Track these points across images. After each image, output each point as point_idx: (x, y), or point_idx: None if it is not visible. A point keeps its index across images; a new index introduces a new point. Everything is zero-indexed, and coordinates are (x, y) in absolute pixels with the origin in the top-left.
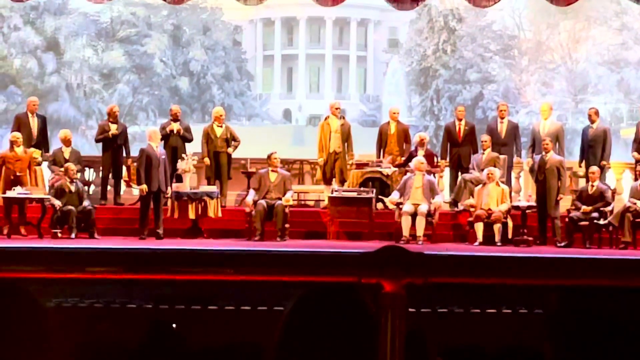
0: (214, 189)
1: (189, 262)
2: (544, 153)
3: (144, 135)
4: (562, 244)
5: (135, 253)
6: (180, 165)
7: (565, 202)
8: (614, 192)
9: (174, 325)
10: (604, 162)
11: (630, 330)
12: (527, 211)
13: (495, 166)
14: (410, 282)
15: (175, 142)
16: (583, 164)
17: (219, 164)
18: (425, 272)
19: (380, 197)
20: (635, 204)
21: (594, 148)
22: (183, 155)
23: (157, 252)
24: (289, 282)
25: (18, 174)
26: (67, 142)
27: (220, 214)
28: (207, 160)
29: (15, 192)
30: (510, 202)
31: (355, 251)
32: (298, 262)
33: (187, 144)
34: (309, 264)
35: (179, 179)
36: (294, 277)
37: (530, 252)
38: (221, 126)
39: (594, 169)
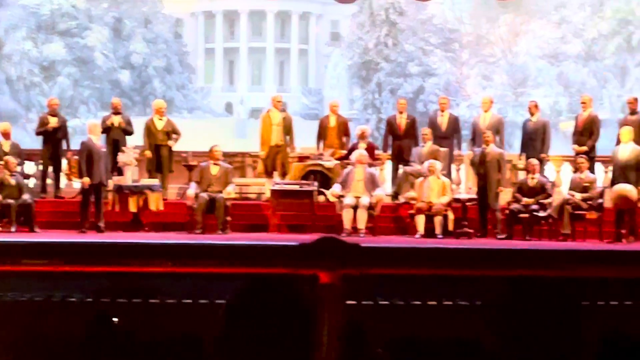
0: (155, 182)
1: (128, 255)
2: (484, 146)
3: (85, 128)
4: (503, 236)
5: (74, 245)
6: (122, 158)
7: (506, 195)
8: (553, 184)
9: (115, 319)
10: (543, 155)
11: (567, 319)
12: (468, 204)
13: (436, 159)
14: (346, 274)
15: (116, 135)
16: (523, 157)
17: (160, 157)
18: (361, 263)
19: (321, 189)
20: (574, 196)
21: (534, 141)
22: (124, 148)
23: (96, 245)
24: (228, 275)
25: None
26: (6, 135)
27: (161, 207)
28: (148, 153)
29: None
30: (451, 194)
31: (291, 243)
32: (235, 254)
33: (128, 137)
34: (246, 256)
35: (120, 172)
36: (231, 269)
37: (470, 244)
38: (162, 119)
39: (534, 161)
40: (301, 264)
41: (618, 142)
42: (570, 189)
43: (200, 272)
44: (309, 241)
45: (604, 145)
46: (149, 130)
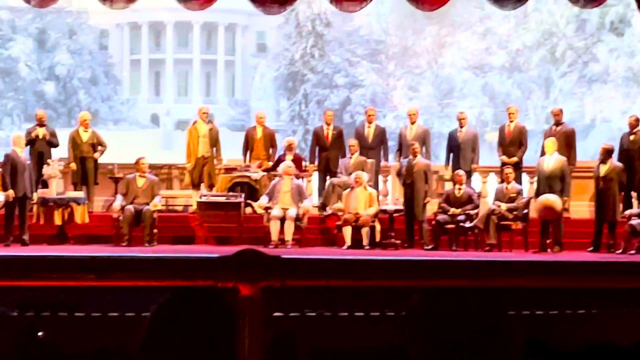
0: (80, 194)
1: (53, 269)
2: (411, 157)
3: (9, 140)
4: (429, 247)
5: None
6: (46, 170)
7: (432, 206)
8: (479, 195)
9: (40, 334)
10: (475, 166)
11: (493, 329)
12: (395, 215)
13: (363, 170)
14: (267, 285)
15: (41, 147)
16: (449, 168)
17: (86, 169)
18: (282, 274)
19: (248, 201)
20: (500, 206)
21: (464, 151)
22: (49, 160)
23: (20, 258)
24: (153, 287)
25: None
26: None
27: (87, 220)
28: (73, 166)
29: None
30: (378, 205)
31: (211, 255)
32: (157, 267)
33: (53, 149)
34: (168, 268)
35: (45, 185)
36: (153, 282)
37: (397, 255)
38: (87, 131)
39: (461, 172)
40: (222, 276)
41: (543, 153)
42: (496, 199)
43: (126, 285)
44: (229, 253)
45: (528, 156)
46: (74, 142)
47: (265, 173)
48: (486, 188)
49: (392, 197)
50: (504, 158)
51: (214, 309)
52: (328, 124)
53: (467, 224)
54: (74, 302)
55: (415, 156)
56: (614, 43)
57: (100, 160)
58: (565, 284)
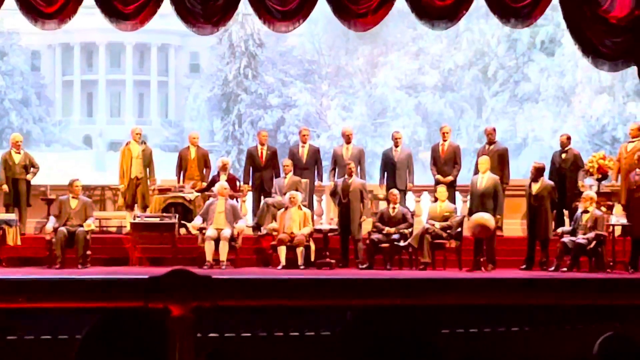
0: (12, 216)
1: None
2: (346, 176)
3: None
4: (364, 266)
5: None
6: None
7: (367, 225)
8: (413, 214)
9: None
10: (410, 185)
11: (427, 347)
12: (329, 234)
13: (297, 190)
14: (198, 306)
15: None
16: (384, 187)
17: (18, 191)
18: (213, 295)
19: (183, 222)
20: (433, 225)
21: (400, 171)
22: None
23: None
24: (86, 309)
25: None
26: None
27: (19, 242)
28: (5, 187)
29: None
30: (313, 225)
31: (142, 276)
32: (88, 288)
33: None
34: (99, 290)
35: None
36: (84, 303)
37: (332, 274)
38: (19, 152)
39: (395, 191)
40: (152, 297)
41: (476, 171)
42: (430, 218)
43: (58, 307)
44: (159, 275)
45: (461, 175)
46: (6, 164)
47: (199, 193)
48: (420, 207)
49: (327, 217)
50: (439, 177)
51: (145, 330)
52: (262, 144)
53: (402, 243)
54: (6, 325)
55: (350, 176)
56: (545, 62)
57: (32, 182)
58: (498, 302)
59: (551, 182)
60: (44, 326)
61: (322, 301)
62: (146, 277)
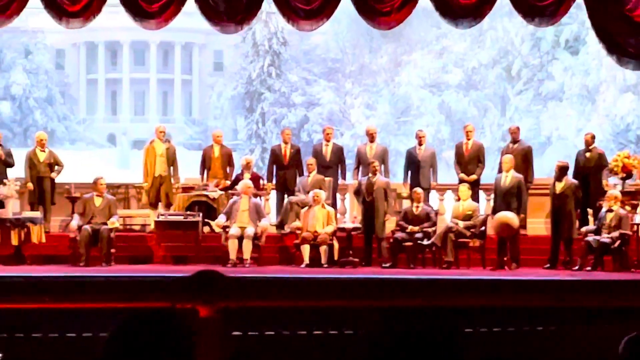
0: (37, 214)
1: (10, 292)
2: (370, 175)
3: None
4: (387, 265)
5: None
6: (3, 190)
7: (390, 224)
8: (437, 212)
9: None
10: (434, 183)
11: (450, 346)
12: (353, 233)
13: (320, 188)
14: (225, 307)
15: None
16: (407, 185)
17: (43, 189)
18: (240, 296)
19: (206, 220)
20: (457, 224)
21: (424, 169)
22: (5, 180)
23: None
24: (111, 308)
25: None
26: None
27: (44, 240)
28: (30, 186)
29: None
30: (336, 224)
31: (170, 275)
32: (115, 289)
33: (9, 169)
34: (126, 290)
35: (1, 205)
36: (111, 304)
37: (356, 273)
38: (44, 151)
39: (419, 190)
40: (180, 297)
41: (500, 170)
42: (453, 217)
43: (84, 307)
44: (188, 275)
45: (485, 174)
46: (31, 162)
47: (223, 192)
48: (443, 205)
49: (350, 215)
50: (463, 176)
51: (172, 330)
52: (286, 143)
53: (425, 242)
54: (32, 323)
55: (375, 174)
56: (569, 61)
57: (57, 180)
58: (522, 303)
59: (575, 181)
60: (70, 324)
61: (351, 302)
62: (174, 277)
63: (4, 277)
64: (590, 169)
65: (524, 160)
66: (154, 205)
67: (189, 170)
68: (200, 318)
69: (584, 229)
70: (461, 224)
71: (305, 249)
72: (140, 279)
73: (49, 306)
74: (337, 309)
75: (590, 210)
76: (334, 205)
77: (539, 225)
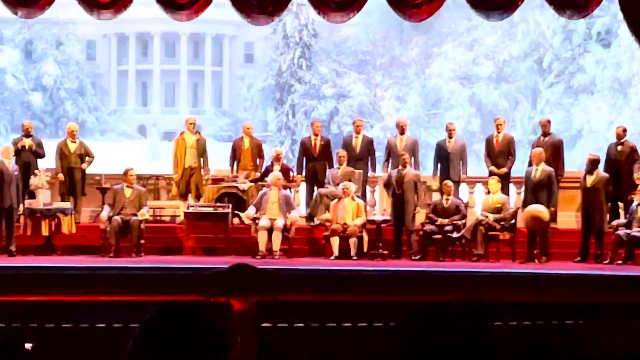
0: (67, 205)
1: (41, 284)
2: (401, 167)
3: None
4: (417, 257)
5: None
6: (33, 181)
7: (420, 216)
8: (466, 205)
9: (27, 346)
10: (463, 176)
11: (480, 340)
12: (382, 225)
13: (350, 180)
14: (259, 300)
15: (27, 158)
16: (437, 178)
17: (73, 179)
18: (275, 289)
19: (236, 212)
20: (487, 217)
21: (453, 162)
22: (36, 171)
23: (6, 274)
24: (143, 302)
25: None
26: None
27: (74, 230)
28: (60, 176)
29: None
30: (366, 216)
31: (204, 267)
32: (147, 282)
33: (40, 160)
34: (158, 284)
35: (32, 195)
36: (143, 297)
37: (385, 265)
38: (75, 142)
39: (449, 183)
40: (214, 291)
41: (530, 163)
42: (483, 209)
43: (117, 300)
44: (222, 269)
45: (515, 167)
46: (62, 153)
47: (252, 183)
48: (473, 198)
49: (380, 208)
50: (493, 168)
51: (205, 323)
52: (316, 135)
53: (455, 235)
54: (63, 313)
55: (405, 167)
56: (601, 54)
57: (87, 171)
58: (555, 299)
59: (606, 175)
60: (101, 315)
61: (389, 297)
62: (208, 270)
63: (34, 268)
64: (621, 163)
65: (555, 153)
66: (183, 197)
67: (218, 162)
68: (234, 311)
69: (614, 222)
70: (491, 216)
71: (335, 241)
72: (174, 271)
73: (79, 298)
74: (367, 302)
75: (621, 204)
76: (363, 197)
77: (569, 218)
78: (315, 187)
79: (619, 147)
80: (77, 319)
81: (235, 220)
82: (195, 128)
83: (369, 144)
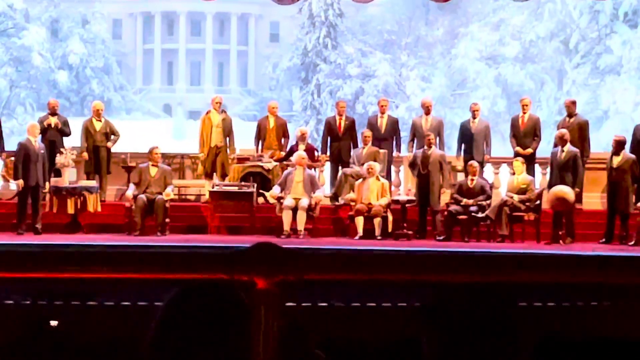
0: (93, 183)
1: (63, 261)
2: (426, 147)
3: (23, 129)
4: (441, 238)
5: (10, 252)
6: (59, 159)
7: (445, 196)
8: (492, 186)
9: (53, 323)
10: (487, 156)
11: (504, 320)
12: (407, 205)
13: (375, 160)
14: (283, 279)
15: (53, 136)
16: (461, 158)
17: (99, 158)
18: (298, 268)
19: (261, 191)
20: (512, 197)
21: (477, 142)
22: (62, 149)
23: (32, 251)
24: (167, 280)
25: None
26: None
27: (99, 209)
28: (86, 155)
29: None
30: (390, 196)
31: (228, 245)
32: (170, 260)
33: (65, 138)
34: (182, 262)
35: (58, 174)
36: (166, 275)
37: (410, 245)
38: (100, 120)
39: (474, 163)
40: (237, 270)
41: (555, 144)
42: (508, 190)
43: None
44: (246, 247)
45: (541, 147)
46: (87, 132)
47: (277, 163)
48: (499, 179)
49: (405, 188)
50: (519, 149)
51: (228, 301)
52: (340, 115)
53: (480, 215)
54: (87, 291)
55: (430, 147)
56: (628, 34)
57: (113, 150)
58: (579, 280)
59: (632, 156)
60: (125, 293)
61: (413, 277)
62: (232, 249)
63: (60, 246)
64: None
65: (580, 134)
66: (209, 176)
67: (244, 141)
68: (257, 290)
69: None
70: (516, 197)
71: (359, 221)
72: (198, 250)
73: (104, 276)
74: (391, 282)
75: None
76: (388, 177)
77: (594, 199)
78: (340, 167)
79: None
80: (102, 297)
81: (260, 200)
82: (221, 107)
83: (394, 124)
